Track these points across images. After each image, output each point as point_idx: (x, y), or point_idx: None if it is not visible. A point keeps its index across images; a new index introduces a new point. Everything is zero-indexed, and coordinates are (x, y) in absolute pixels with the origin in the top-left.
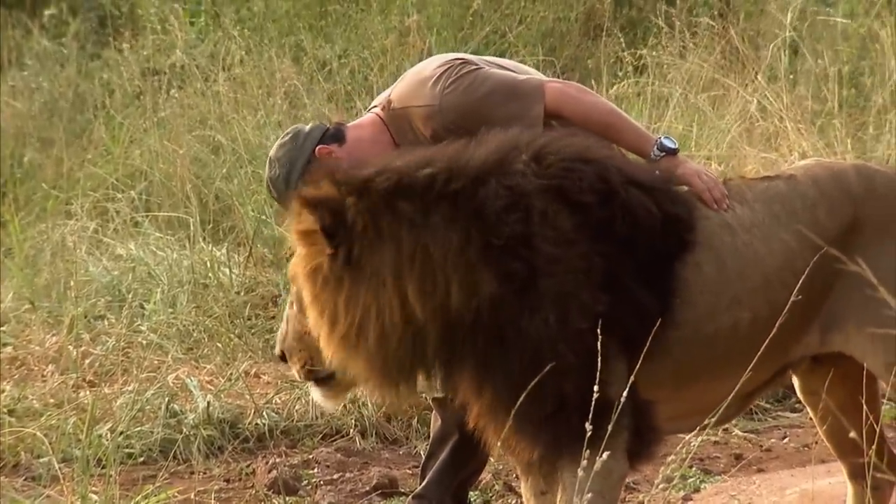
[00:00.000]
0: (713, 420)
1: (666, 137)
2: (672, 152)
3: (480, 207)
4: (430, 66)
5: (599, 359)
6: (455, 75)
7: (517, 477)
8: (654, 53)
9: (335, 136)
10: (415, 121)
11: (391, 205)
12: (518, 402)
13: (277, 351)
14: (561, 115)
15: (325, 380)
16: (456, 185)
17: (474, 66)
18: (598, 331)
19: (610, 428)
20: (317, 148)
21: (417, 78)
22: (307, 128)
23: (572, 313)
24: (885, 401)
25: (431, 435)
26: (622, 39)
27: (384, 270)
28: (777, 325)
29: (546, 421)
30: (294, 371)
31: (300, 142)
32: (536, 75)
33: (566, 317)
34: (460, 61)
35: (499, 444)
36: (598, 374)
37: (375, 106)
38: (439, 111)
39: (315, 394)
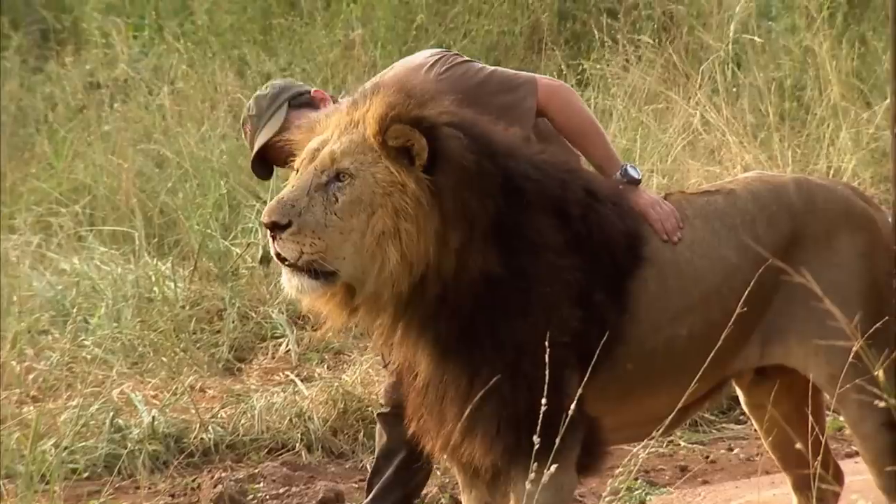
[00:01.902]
0: (655, 433)
1: (632, 166)
2: (634, 182)
3: (517, 192)
4: (421, 55)
5: (565, 372)
6: (449, 63)
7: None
8: (597, 67)
9: (308, 103)
10: None
11: (489, 161)
12: (478, 401)
13: (281, 219)
14: (546, 113)
15: (324, 275)
16: (512, 165)
17: (467, 58)
18: (566, 344)
19: (566, 441)
20: (312, 90)
21: (409, 65)
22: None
23: (555, 324)
24: (829, 412)
25: (377, 450)
26: (566, 53)
27: (451, 209)
28: (720, 340)
29: (506, 428)
30: (286, 249)
31: (290, 82)
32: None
33: (550, 327)
34: (453, 53)
35: (445, 445)
36: (565, 387)
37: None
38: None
39: (299, 281)
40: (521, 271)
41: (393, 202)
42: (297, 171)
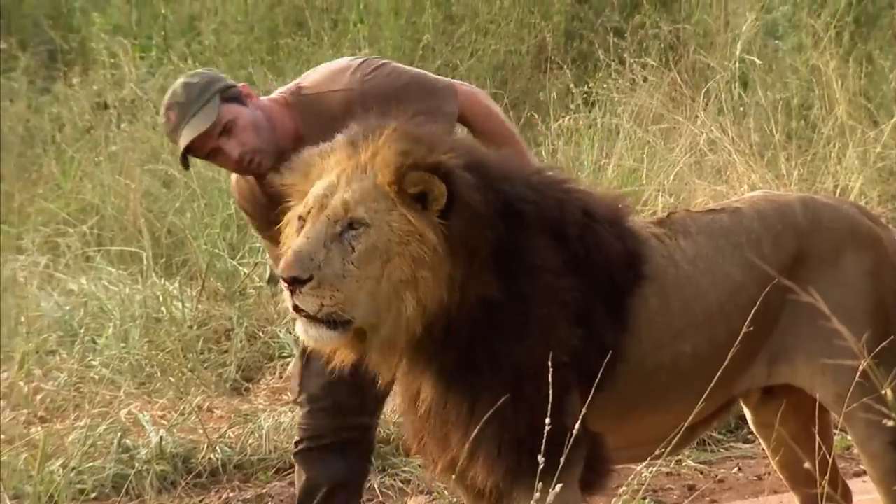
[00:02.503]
0: (662, 452)
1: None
2: None
3: (516, 215)
4: (343, 61)
5: (566, 391)
6: (373, 66)
7: None
8: (604, 86)
9: (237, 98)
10: (331, 105)
11: (490, 191)
12: (481, 424)
13: (302, 274)
14: (469, 119)
15: (341, 324)
16: (509, 189)
17: (386, 60)
18: (567, 364)
19: (570, 460)
20: (239, 85)
21: (331, 69)
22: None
23: (554, 345)
24: (836, 431)
25: (298, 491)
26: (572, 73)
27: (460, 250)
28: (727, 360)
29: (507, 450)
30: (306, 303)
31: (216, 73)
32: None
33: (550, 348)
34: (374, 57)
35: (449, 468)
36: (567, 406)
37: (275, 95)
38: (360, 95)
39: (317, 332)
40: (518, 294)
41: (410, 251)
42: (305, 219)
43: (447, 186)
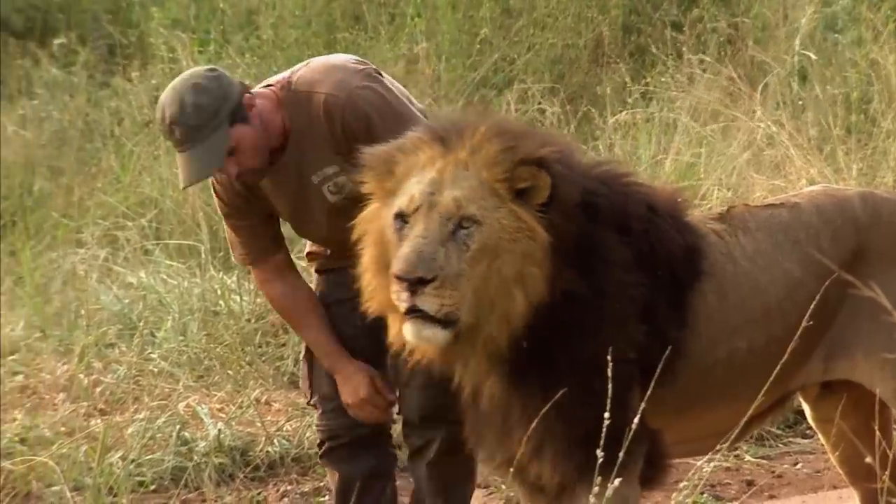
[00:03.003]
0: (720, 447)
1: None
2: None
3: (588, 207)
4: (340, 59)
5: (630, 387)
6: (367, 79)
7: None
8: (661, 80)
9: (243, 117)
10: (316, 105)
11: (589, 193)
12: (551, 420)
13: (428, 274)
14: None
15: (451, 323)
16: (585, 182)
17: (383, 78)
18: (632, 360)
19: (631, 455)
20: (245, 95)
21: (326, 66)
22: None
23: (623, 341)
24: None
25: (334, 491)
26: (630, 67)
27: (557, 244)
28: (784, 356)
29: (577, 447)
30: (427, 302)
31: (227, 83)
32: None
33: (619, 344)
34: (374, 69)
35: (509, 463)
36: (630, 402)
37: (271, 85)
38: (343, 104)
39: (432, 332)
40: (594, 289)
41: (521, 247)
42: (407, 217)
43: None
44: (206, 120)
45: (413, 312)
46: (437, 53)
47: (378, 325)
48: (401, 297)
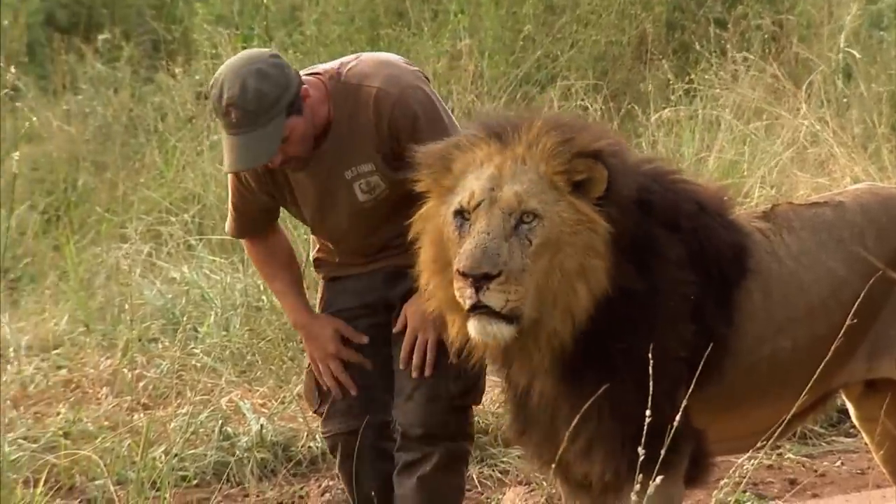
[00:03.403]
0: (763, 445)
1: None
2: None
3: (642, 204)
4: (393, 57)
5: (679, 385)
6: (419, 80)
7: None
8: (705, 77)
9: (299, 108)
10: (364, 98)
11: (643, 190)
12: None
13: (493, 270)
14: None
15: (516, 318)
16: (639, 179)
17: (428, 86)
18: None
19: (677, 453)
20: (303, 84)
21: (379, 60)
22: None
23: (674, 339)
24: None
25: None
26: (673, 64)
27: (616, 237)
28: (828, 355)
29: (630, 445)
30: (493, 298)
31: (287, 73)
32: None
33: (671, 342)
34: (423, 72)
35: (554, 461)
36: (678, 401)
37: (319, 73)
38: (394, 101)
39: (497, 328)
40: (651, 285)
41: (582, 240)
42: (467, 214)
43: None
44: (266, 108)
45: (477, 309)
46: (480, 50)
47: (381, 335)
48: (465, 294)
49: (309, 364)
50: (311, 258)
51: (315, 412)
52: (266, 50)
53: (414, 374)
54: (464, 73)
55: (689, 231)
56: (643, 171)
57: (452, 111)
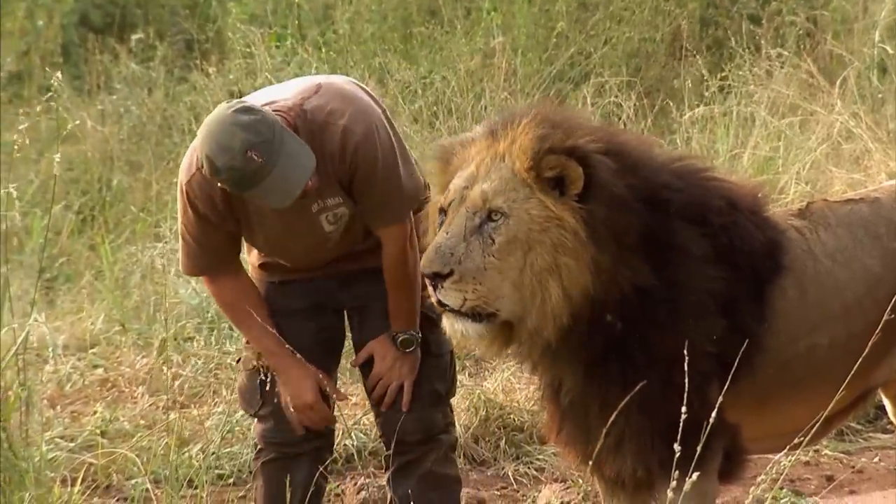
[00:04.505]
0: (800, 442)
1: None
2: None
3: (662, 203)
4: (350, 87)
5: (710, 381)
6: (384, 118)
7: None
8: (739, 73)
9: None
10: (332, 139)
11: (633, 177)
12: (630, 415)
13: (443, 269)
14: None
15: (486, 317)
16: (654, 177)
17: (382, 118)
18: (711, 354)
19: (711, 449)
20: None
21: (342, 94)
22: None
23: (702, 335)
24: None
25: (263, 500)
26: (707, 60)
27: (603, 234)
28: (864, 352)
29: (659, 441)
30: (449, 297)
31: (268, 116)
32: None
33: (698, 337)
34: (382, 108)
35: (589, 458)
36: (709, 396)
37: (279, 111)
38: (361, 139)
39: (462, 326)
40: (671, 281)
41: (551, 237)
42: (446, 211)
43: (584, 170)
44: (271, 129)
45: (443, 307)
46: (514, 47)
47: (332, 337)
48: (429, 293)
49: (254, 365)
50: (249, 262)
51: (253, 415)
52: (220, 107)
53: (383, 409)
54: (497, 70)
55: (718, 227)
56: (670, 168)
57: (485, 109)
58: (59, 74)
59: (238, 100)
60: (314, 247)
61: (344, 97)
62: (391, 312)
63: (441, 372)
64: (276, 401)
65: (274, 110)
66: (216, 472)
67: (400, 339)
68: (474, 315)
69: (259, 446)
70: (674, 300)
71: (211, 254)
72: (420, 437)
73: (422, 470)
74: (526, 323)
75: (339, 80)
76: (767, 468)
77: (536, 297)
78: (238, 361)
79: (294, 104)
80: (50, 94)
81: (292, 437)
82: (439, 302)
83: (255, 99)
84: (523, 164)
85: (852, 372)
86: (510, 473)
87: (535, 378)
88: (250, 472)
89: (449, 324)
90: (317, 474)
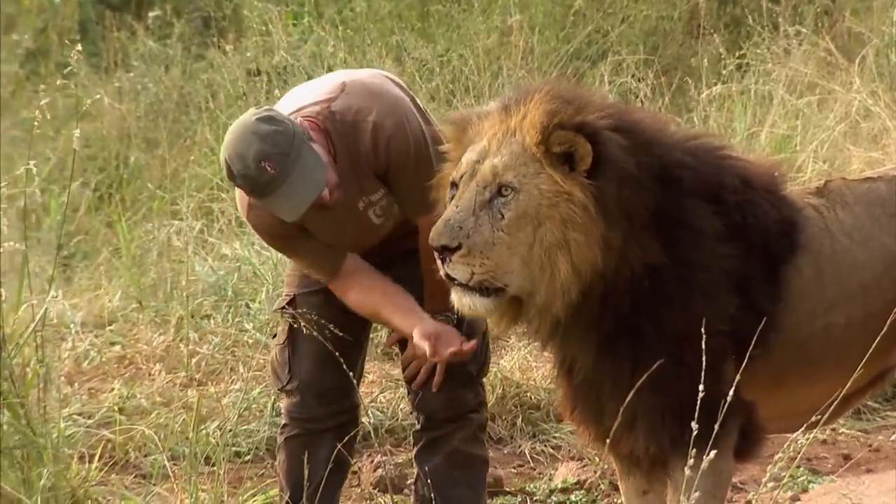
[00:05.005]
0: (818, 420)
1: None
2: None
3: (674, 181)
4: (378, 80)
5: (723, 359)
6: (414, 107)
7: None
8: (757, 51)
9: (310, 136)
10: (363, 136)
11: (644, 154)
12: (642, 393)
13: (451, 243)
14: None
15: (495, 291)
16: (667, 154)
17: (415, 113)
18: (724, 332)
19: (725, 427)
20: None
21: (369, 91)
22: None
23: (714, 312)
24: None
25: (286, 476)
26: (725, 39)
27: (613, 211)
28: (883, 330)
29: (671, 419)
30: (457, 271)
31: (277, 111)
32: None
33: (710, 315)
34: (406, 89)
35: (603, 436)
36: (723, 375)
37: (309, 116)
38: (392, 132)
39: (470, 300)
40: (682, 259)
41: (560, 212)
42: (457, 185)
43: (593, 146)
44: (289, 141)
45: (451, 281)
46: (531, 25)
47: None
48: (438, 266)
49: (285, 340)
50: None
51: (280, 389)
52: (248, 112)
53: (414, 387)
54: (514, 49)
55: (732, 205)
56: (684, 147)
57: (502, 87)
58: (79, 49)
59: (266, 107)
60: (366, 238)
61: (370, 93)
62: (427, 294)
63: (473, 352)
64: (304, 376)
65: (303, 117)
66: (233, 449)
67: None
68: (482, 289)
69: (284, 422)
70: (685, 278)
71: (321, 258)
72: (449, 415)
73: (449, 447)
74: (535, 298)
75: (364, 75)
76: (784, 447)
77: (546, 272)
78: (273, 337)
79: (321, 108)
80: (69, 69)
81: (318, 413)
82: (447, 276)
83: (284, 104)
84: (533, 140)
85: (870, 351)
86: (527, 451)
87: (550, 356)
88: (268, 450)
89: (457, 297)
90: (336, 449)
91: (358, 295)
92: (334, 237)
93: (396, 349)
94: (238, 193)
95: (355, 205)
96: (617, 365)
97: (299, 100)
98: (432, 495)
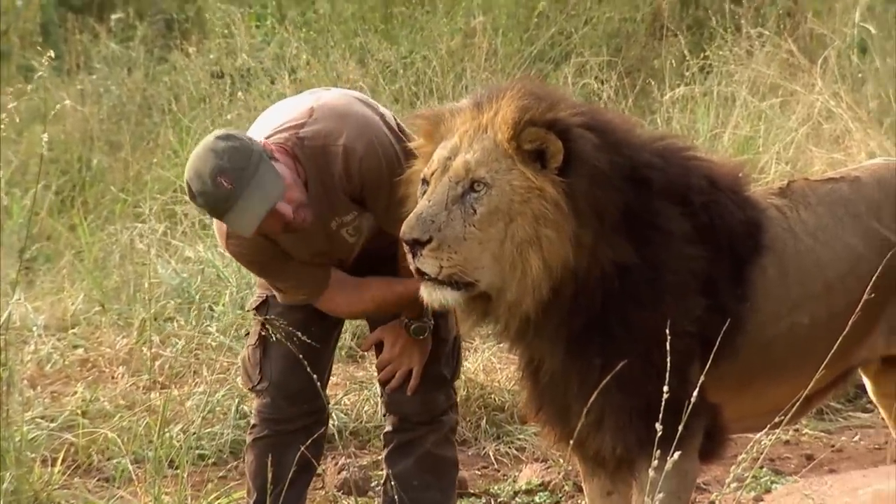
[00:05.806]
0: (780, 421)
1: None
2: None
3: (644, 181)
4: (344, 100)
5: (690, 360)
6: (383, 125)
7: None
8: (720, 53)
9: (272, 156)
10: (334, 160)
11: (616, 154)
12: (609, 393)
13: (422, 236)
14: None
15: (464, 285)
16: (636, 155)
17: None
18: (691, 333)
19: (691, 428)
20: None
21: (336, 113)
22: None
23: (682, 313)
24: None
25: (253, 477)
26: (688, 40)
27: (585, 209)
28: (845, 330)
29: (637, 419)
30: (426, 264)
31: (247, 135)
32: None
33: (677, 316)
34: (377, 107)
35: (568, 437)
36: (689, 376)
37: (279, 142)
38: (363, 154)
39: (441, 294)
40: (652, 260)
41: (532, 209)
42: (428, 181)
43: (565, 143)
44: (246, 157)
45: (421, 275)
46: (494, 27)
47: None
48: (408, 260)
49: (256, 342)
50: None
51: (251, 389)
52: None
53: (387, 391)
54: (478, 50)
55: (699, 206)
56: (651, 147)
57: (466, 89)
58: (51, 54)
59: (226, 129)
60: (342, 254)
61: (338, 116)
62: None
63: (447, 355)
64: (275, 377)
65: (274, 143)
66: (197, 452)
67: (413, 326)
68: (452, 283)
69: (254, 422)
70: (654, 279)
71: (303, 279)
72: (423, 418)
73: (421, 450)
74: (505, 295)
75: (331, 98)
76: (748, 447)
77: (517, 268)
78: (246, 335)
79: (290, 135)
80: (39, 75)
81: (289, 413)
82: (417, 270)
83: (254, 132)
84: (505, 136)
85: (832, 351)
86: (491, 453)
87: (515, 358)
88: (231, 453)
89: (427, 292)
90: (304, 450)
91: (350, 297)
92: (309, 257)
93: (362, 351)
94: (216, 225)
95: (328, 225)
96: (585, 365)
97: (268, 127)
98: (402, 498)
